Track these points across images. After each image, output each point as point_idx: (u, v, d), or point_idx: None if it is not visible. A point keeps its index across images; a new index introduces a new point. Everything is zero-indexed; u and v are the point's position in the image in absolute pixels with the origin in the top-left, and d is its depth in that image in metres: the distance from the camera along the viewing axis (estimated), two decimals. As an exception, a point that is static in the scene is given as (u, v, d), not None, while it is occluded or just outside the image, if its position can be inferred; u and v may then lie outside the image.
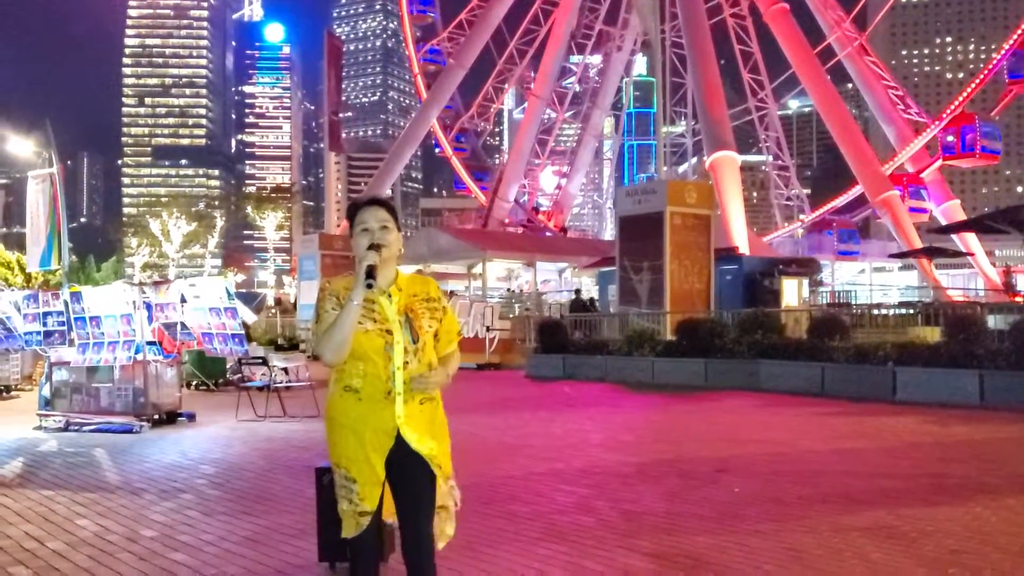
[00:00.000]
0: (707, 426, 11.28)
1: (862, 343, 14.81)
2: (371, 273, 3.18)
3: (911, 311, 21.01)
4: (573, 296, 31.04)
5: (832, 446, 9.31)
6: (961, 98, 50.81)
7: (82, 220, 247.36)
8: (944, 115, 50.01)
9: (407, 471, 3.33)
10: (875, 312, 21.85)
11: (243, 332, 12.62)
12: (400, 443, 3.28)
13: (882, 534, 5.66)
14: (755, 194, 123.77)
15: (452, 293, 27.22)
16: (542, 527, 6.06)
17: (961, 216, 50.65)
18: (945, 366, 12.73)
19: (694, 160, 62.80)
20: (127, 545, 5.89)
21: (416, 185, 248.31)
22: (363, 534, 3.33)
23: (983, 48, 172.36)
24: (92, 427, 12.16)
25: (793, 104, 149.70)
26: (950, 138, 47.00)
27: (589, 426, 11.37)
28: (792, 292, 28.56)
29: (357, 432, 3.28)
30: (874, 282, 46.53)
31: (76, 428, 12.20)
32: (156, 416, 12.34)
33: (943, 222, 48.91)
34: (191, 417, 12.89)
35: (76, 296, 12.70)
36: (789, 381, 14.76)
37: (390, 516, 3.47)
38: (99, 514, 6.86)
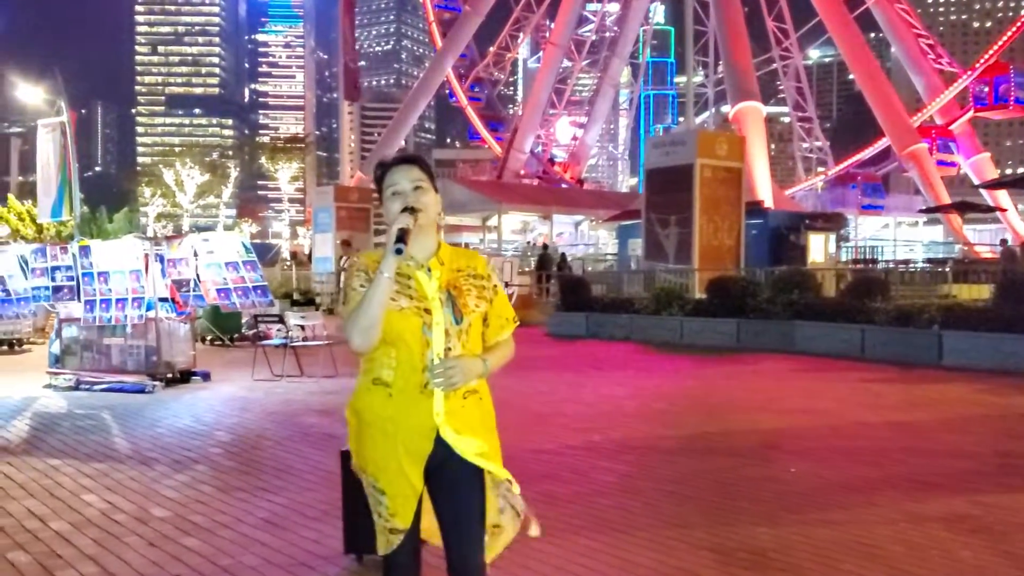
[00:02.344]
0: (746, 393, 10.73)
1: (903, 304, 14.17)
2: (402, 237, 2.62)
3: (942, 268, 20.29)
4: (541, 251, 29.79)
5: (884, 417, 8.75)
6: (996, 47, 49.20)
7: (97, 169, 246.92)
8: (977, 65, 48.51)
9: (450, 483, 2.78)
10: (901, 269, 21.16)
11: (265, 284, 12.25)
12: (440, 446, 2.73)
13: (964, 526, 5.12)
14: (773, 146, 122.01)
15: (466, 246, 26.54)
16: (584, 512, 5.55)
17: (991, 169, 49.49)
18: (995, 330, 12.10)
19: (714, 110, 61.69)
20: (136, 527, 5.46)
21: (429, 136, 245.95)
22: (398, 553, 2.80)
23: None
24: (103, 386, 11.77)
25: (814, 54, 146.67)
26: (983, 88, 45.62)
27: (621, 392, 10.84)
28: (819, 248, 27.89)
29: (388, 434, 2.71)
30: (899, 237, 45.62)
31: (87, 387, 11.81)
32: (169, 375, 11.95)
33: (972, 175, 47.84)
34: (206, 376, 12.48)
35: (84, 250, 12.22)
36: (826, 343, 14.16)
37: (430, 536, 2.94)
38: (107, 488, 6.44)
